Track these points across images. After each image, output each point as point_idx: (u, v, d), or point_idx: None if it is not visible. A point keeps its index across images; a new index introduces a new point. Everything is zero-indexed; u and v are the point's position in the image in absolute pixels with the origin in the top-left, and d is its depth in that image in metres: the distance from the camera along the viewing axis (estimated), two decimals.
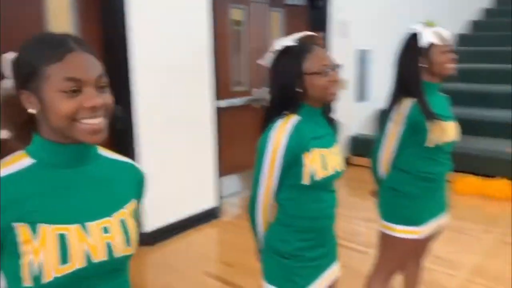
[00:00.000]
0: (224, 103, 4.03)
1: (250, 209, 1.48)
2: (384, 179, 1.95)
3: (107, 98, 0.88)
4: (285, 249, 1.43)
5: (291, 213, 1.43)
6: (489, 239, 3.42)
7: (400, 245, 1.94)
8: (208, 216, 3.76)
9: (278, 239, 1.45)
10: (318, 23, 4.79)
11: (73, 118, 0.84)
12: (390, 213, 1.93)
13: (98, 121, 0.86)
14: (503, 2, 8.21)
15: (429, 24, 1.86)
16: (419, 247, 2.09)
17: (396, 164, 1.90)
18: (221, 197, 3.98)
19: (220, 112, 3.86)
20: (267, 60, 1.43)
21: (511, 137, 4.70)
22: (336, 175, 1.45)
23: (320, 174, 1.38)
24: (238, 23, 4.22)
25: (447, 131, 1.83)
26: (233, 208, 4.20)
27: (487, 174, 4.32)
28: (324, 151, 1.40)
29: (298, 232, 1.43)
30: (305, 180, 1.38)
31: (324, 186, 1.44)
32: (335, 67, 1.39)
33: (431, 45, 1.81)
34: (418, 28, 1.84)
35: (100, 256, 0.87)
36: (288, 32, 4.74)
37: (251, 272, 3.00)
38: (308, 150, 1.37)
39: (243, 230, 3.77)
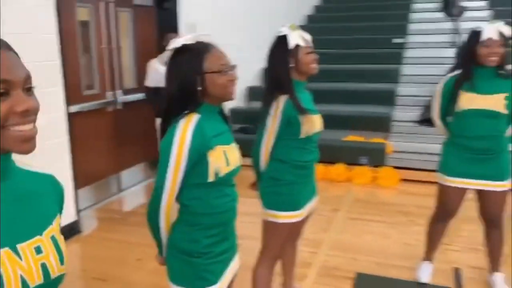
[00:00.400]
0: (75, 108, 3.74)
1: (152, 213, 1.45)
2: (264, 171, 2.10)
3: (36, 101, 0.78)
4: (195, 248, 1.44)
5: (197, 211, 1.45)
6: (338, 216, 3.93)
7: (283, 230, 2.11)
8: (68, 232, 3.44)
9: (186, 240, 1.45)
10: (167, 24, 4.78)
11: (1, 125, 0.72)
12: (273, 201, 2.09)
13: (30, 127, 0.75)
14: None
15: (292, 27, 2.06)
16: (297, 229, 2.31)
17: (274, 156, 2.06)
18: (79, 211, 3.69)
19: (72, 118, 3.57)
20: (163, 58, 1.42)
21: (346, 128, 5.43)
22: (237, 170, 1.52)
23: (224, 170, 1.43)
24: (85, 23, 3.95)
25: (315, 123, 2.06)
26: (92, 221, 3.94)
27: (328, 161, 4.93)
28: (225, 147, 1.46)
29: (206, 229, 1.46)
30: (211, 178, 1.41)
31: (227, 182, 1.49)
32: (232, 66, 1.45)
33: (297, 46, 2.01)
34: (285, 30, 2.03)
35: (36, 280, 0.76)
36: (137, 33, 4.72)
37: (126, 283, 2.88)
38: (212, 148, 1.40)
39: (108, 242, 3.60)
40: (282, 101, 1.98)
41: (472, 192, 2.60)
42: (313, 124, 2.04)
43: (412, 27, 7.85)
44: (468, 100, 2.40)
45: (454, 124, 2.54)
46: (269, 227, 2.13)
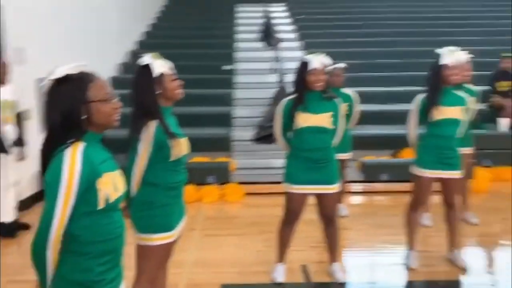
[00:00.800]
0: None
1: (38, 247, 1.38)
2: (135, 196, 2.13)
3: None
4: (88, 277, 1.42)
5: (87, 240, 1.43)
6: (195, 235, 4.06)
7: (159, 252, 2.17)
8: None
9: (78, 270, 1.42)
10: None
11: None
12: (146, 225, 2.13)
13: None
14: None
15: (155, 56, 2.17)
16: (170, 251, 2.37)
17: (146, 179, 2.12)
18: None
19: None
20: (44, 88, 1.39)
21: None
22: (124, 195, 1.56)
23: (113, 196, 1.46)
24: None
25: (183, 146, 2.20)
26: None
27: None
28: (112, 174, 1.49)
29: (97, 257, 1.45)
30: (101, 205, 1.42)
31: (115, 208, 1.51)
32: (115, 95, 1.50)
33: (162, 74, 2.13)
34: (148, 60, 2.13)
35: None
36: None
37: None
38: (100, 175, 1.42)
39: None
40: (152, 126, 2.06)
41: (312, 197, 3.06)
42: (182, 147, 2.17)
43: (239, 55, 8.59)
44: (303, 119, 2.85)
45: (294, 139, 2.97)
46: (144, 251, 2.15)
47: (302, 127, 2.86)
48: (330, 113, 2.88)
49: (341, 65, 4.10)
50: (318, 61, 2.82)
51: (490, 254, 3.76)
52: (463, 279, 3.25)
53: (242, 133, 6.29)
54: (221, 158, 5.66)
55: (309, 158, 2.91)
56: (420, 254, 3.46)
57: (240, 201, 5.09)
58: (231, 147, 5.96)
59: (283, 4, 11.66)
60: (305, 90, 2.85)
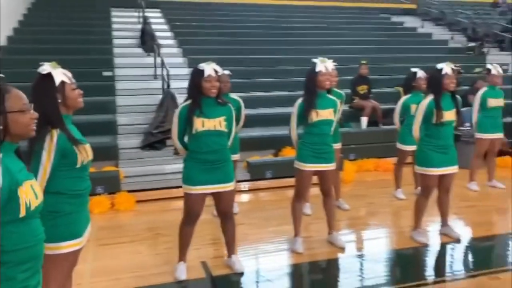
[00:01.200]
0: None
1: None
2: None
3: None
4: (11, 286, 1.44)
5: (9, 249, 1.45)
6: (89, 246, 3.93)
7: (66, 260, 2.17)
8: None
9: (1, 281, 1.43)
10: None
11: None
12: (52, 234, 2.10)
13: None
14: None
15: (53, 66, 2.17)
16: (77, 259, 2.37)
17: (51, 189, 2.11)
18: None
19: None
20: None
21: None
22: (42, 202, 1.59)
23: (34, 204, 1.50)
24: None
25: (88, 152, 2.23)
26: None
27: None
28: (31, 182, 1.52)
29: (19, 264, 1.47)
30: (22, 213, 1.45)
31: (35, 215, 1.54)
32: (31, 105, 1.53)
33: (63, 83, 2.15)
34: (47, 68, 2.13)
35: None
36: None
37: None
38: (21, 184, 1.45)
39: None
40: (55, 135, 2.06)
41: (210, 196, 3.27)
42: (87, 153, 2.21)
43: (117, 60, 8.39)
44: (200, 123, 3.05)
45: (191, 143, 3.15)
46: (52, 261, 2.13)
47: (199, 131, 3.05)
48: (224, 117, 3.12)
49: (226, 72, 4.38)
50: (211, 68, 3.04)
51: (360, 234, 4.39)
52: (341, 257, 3.76)
53: (127, 141, 6.22)
54: (108, 167, 5.54)
55: (207, 160, 3.11)
56: (304, 240, 3.90)
57: (132, 209, 5.07)
58: (119, 155, 5.86)
59: (158, 10, 11.66)
60: (200, 96, 3.06)
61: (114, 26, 10.12)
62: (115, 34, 9.61)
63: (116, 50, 8.85)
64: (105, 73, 7.63)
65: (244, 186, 5.66)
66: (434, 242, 4.01)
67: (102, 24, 10.13)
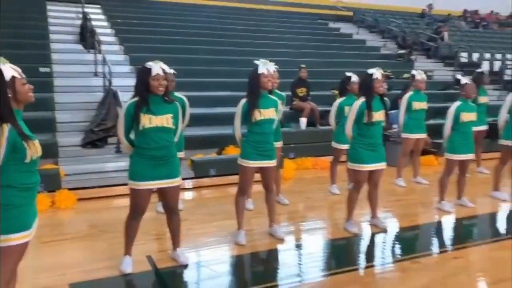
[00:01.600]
0: None
1: None
2: None
3: None
4: None
5: None
6: (31, 243, 3.89)
7: (16, 253, 2.21)
8: None
9: None
10: None
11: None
12: (4, 227, 2.14)
13: None
14: None
15: (3, 61, 2.20)
16: (25, 251, 2.39)
17: (2, 182, 2.13)
18: None
19: None
20: None
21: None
22: None
23: None
24: None
25: (37, 147, 2.28)
26: None
27: None
28: None
29: None
30: None
31: None
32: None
33: (13, 78, 2.18)
34: None
35: None
36: None
37: None
38: None
39: None
40: (5, 129, 2.09)
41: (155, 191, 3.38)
42: (37, 148, 2.25)
43: (54, 56, 8.14)
44: (148, 120, 3.15)
45: (138, 139, 3.23)
46: (1, 254, 2.16)
47: (146, 128, 3.15)
48: (172, 115, 3.24)
49: (171, 70, 4.48)
50: (158, 67, 3.15)
51: (298, 226, 4.67)
52: (281, 247, 4.01)
53: (67, 139, 6.10)
54: (48, 165, 5.42)
55: (154, 156, 3.21)
56: (247, 233, 4.10)
57: (73, 207, 5.01)
58: (58, 153, 5.74)
59: (98, 6, 11.40)
60: (147, 94, 3.15)
61: (51, 20, 9.78)
62: (52, 29, 9.30)
63: (53, 46, 8.58)
64: (42, 69, 7.39)
65: (188, 183, 5.77)
66: (365, 232, 4.37)
67: (37, 18, 9.75)
